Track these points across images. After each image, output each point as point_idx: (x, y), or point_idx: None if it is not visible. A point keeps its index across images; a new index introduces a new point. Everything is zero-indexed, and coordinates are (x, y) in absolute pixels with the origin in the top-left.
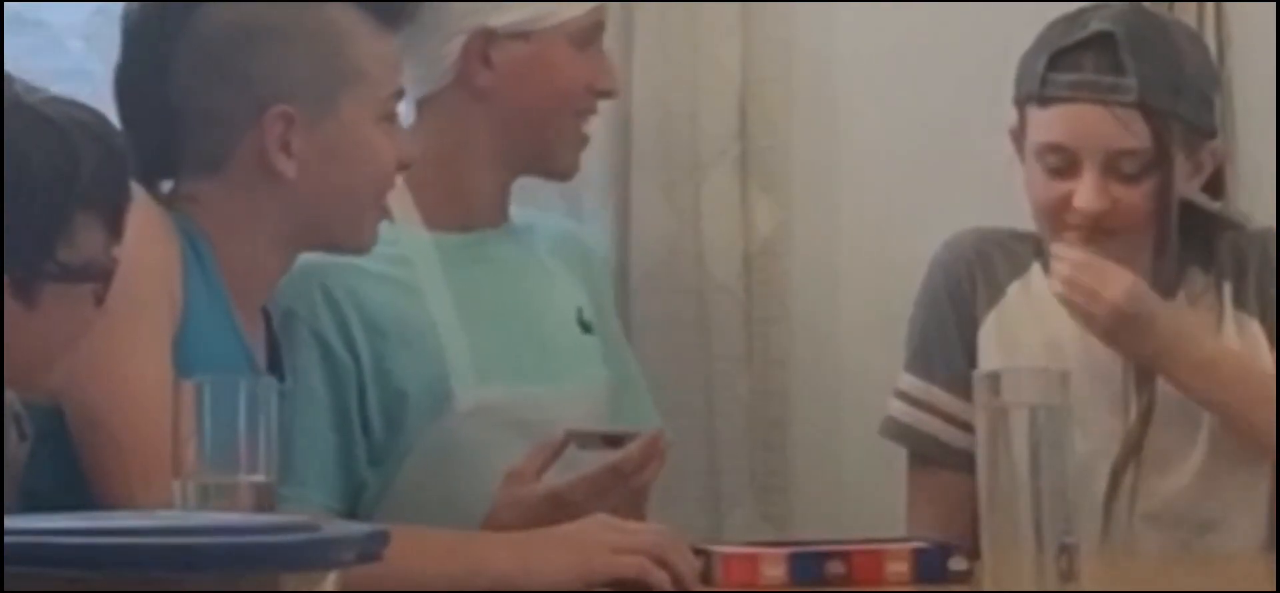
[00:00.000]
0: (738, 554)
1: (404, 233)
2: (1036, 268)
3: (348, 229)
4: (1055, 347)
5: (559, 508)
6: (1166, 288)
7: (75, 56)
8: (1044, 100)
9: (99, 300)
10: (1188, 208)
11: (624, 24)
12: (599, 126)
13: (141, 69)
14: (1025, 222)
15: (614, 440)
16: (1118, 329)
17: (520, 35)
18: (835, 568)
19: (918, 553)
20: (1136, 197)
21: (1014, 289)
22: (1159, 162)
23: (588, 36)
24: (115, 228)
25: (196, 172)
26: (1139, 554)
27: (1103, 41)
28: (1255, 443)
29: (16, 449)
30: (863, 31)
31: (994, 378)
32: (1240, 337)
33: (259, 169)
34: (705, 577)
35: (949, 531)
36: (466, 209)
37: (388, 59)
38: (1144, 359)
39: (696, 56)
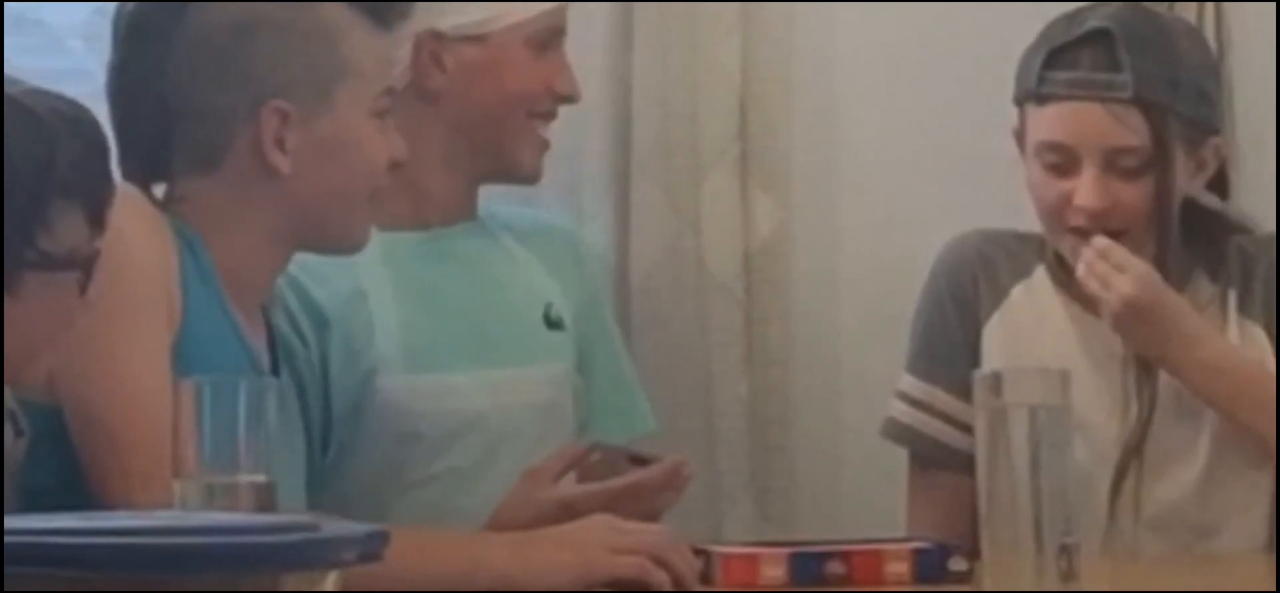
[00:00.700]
0: (738, 554)
1: None
2: (1040, 270)
3: (341, 227)
4: (1058, 349)
5: (570, 517)
6: (1171, 287)
7: (75, 56)
8: (1042, 99)
9: (82, 289)
10: (1195, 210)
11: (624, 24)
12: (599, 127)
13: (135, 69)
14: (1027, 222)
15: (639, 461)
16: (1129, 318)
17: (474, 39)
18: (835, 568)
19: (917, 553)
20: (1137, 194)
21: (1017, 291)
22: (1158, 158)
23: (545, 40)
24: (97, 218)
25: (191, 171)
26: (1139, 555)
27: (1100, 39)
28: (1259, 445)
29: (13, 446)
30: (863, 31)
31: (994, 378)
32: (1244, 344)
33: (254, 166)
34: (705, 577)
35: (949, 532)
36: (422, 208)
37: (381, 56)
38: (1152, 353)
39: (696, 56)
